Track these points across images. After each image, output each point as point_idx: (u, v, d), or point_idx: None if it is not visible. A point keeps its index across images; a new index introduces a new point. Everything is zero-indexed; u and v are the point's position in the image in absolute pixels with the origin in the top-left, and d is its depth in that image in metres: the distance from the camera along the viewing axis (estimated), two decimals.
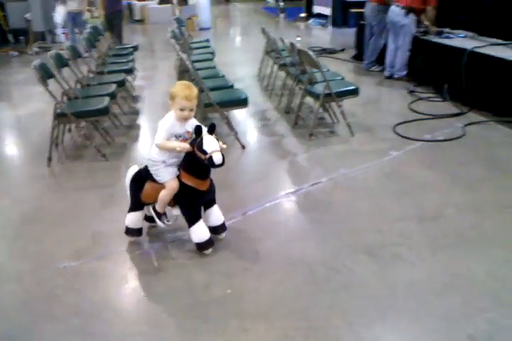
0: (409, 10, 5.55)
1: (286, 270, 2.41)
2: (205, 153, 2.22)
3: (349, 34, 10.13)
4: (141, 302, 2.23)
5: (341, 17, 11.51)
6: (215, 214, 2.59)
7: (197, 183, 2.38)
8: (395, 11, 5.73)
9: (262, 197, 3.17)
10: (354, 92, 4.19)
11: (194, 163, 2.32)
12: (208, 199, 2.53)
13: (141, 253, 2.61)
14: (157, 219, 2.57)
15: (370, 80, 6.15)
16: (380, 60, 6.52)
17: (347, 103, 4.38)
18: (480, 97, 4.71)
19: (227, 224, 2.68)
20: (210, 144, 2.22)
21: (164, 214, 2.57)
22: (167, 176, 2.41)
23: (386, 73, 6.23)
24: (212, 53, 6.22)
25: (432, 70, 5.58)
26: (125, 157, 4.00)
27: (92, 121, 4.28)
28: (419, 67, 5.83)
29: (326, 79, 3.98)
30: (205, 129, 2.31)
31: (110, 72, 5.19)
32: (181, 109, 2.31)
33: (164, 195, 2.43)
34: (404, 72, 5.97)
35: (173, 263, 2.52)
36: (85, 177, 3.62)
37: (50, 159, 3.85)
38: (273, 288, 2.27)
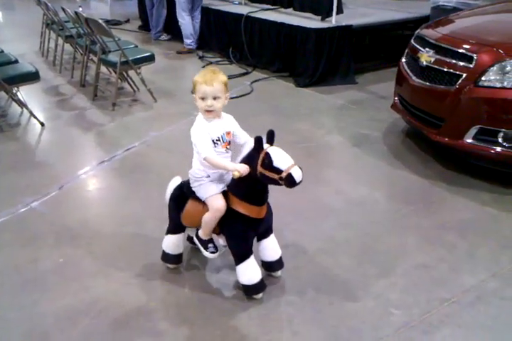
0: None
1: (117, 230, 2.51)
2: (278, 171, 1.71)
3: (129, 5, 10.00)
4: None
5: None
6: (272, 247, 2.10)
7: (251, 210, 1.86)
8: None
9: (76, 170, 3.13)
10: (150, 59, 4.30)
11: (247, 185, 1.83)
12: (263, 228, 2.03)
13: None
14: (202, 249, 2.06)
15: (160, 49, 6.29)
16: (166, 28, 6.69)
17: (144, 72, 4.46)
18: (260, 57, 5.32)
19: (43, 199, 2.59)
20: (283, 158, 1.73)
21: (211, 241, 2.06)
22: (209, 191, 1.91)
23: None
24: None
25: (216, 36, 6.01)
26: None
27: None
28: (205, 34, 6.21)
29: (121, 48, 3.99)
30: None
31: None
32: (202, 98, 1.81)
33: (208, 218, 1.93)
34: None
35: None
36: None
37: None
38: (107, 246, 2.36)
